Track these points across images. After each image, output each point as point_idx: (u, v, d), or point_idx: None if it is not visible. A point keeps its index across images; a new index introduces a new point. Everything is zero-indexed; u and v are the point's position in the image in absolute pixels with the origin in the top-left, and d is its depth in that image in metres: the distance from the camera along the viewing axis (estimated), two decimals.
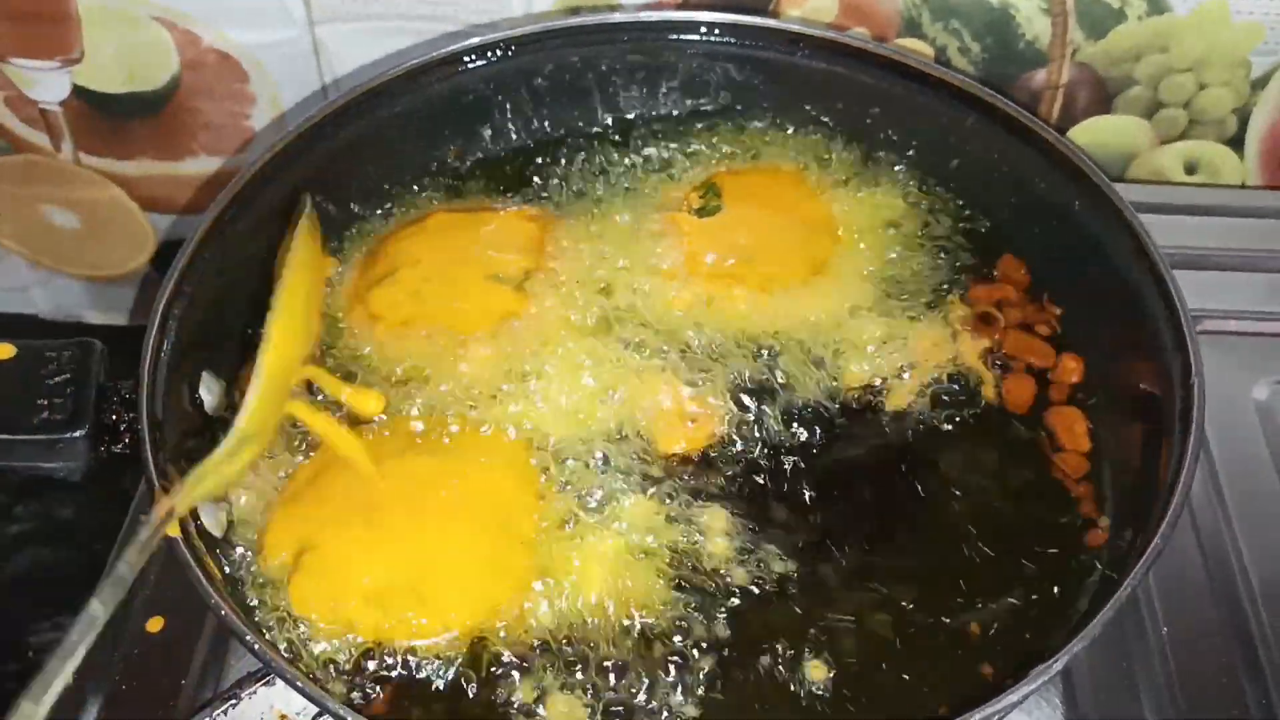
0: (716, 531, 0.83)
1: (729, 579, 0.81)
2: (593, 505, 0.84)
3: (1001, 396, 0.90)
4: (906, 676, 0.78)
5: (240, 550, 0.82)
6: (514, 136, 1.07)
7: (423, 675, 0.77)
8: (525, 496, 0.84)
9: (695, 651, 0.78)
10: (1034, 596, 0.81)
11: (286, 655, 0.77)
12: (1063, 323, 0.95)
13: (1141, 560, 0.73)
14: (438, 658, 0.77)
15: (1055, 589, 0.81)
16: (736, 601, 0.80)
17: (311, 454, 0.86)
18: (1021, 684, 0.69)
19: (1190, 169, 1.22)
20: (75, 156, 1.26)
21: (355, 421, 0.86)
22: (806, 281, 0.96)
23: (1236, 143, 1.20)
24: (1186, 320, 0.83)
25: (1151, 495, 0.78)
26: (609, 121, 1.08)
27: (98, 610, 0.66)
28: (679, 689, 0.77)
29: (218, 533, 0.81)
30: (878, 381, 0.91)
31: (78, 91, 1.20)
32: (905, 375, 0.91)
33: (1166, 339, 0.83)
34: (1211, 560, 0.95)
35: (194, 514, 0.78)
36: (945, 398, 0.90)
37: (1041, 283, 0.96)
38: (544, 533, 0.82)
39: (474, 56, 1.01)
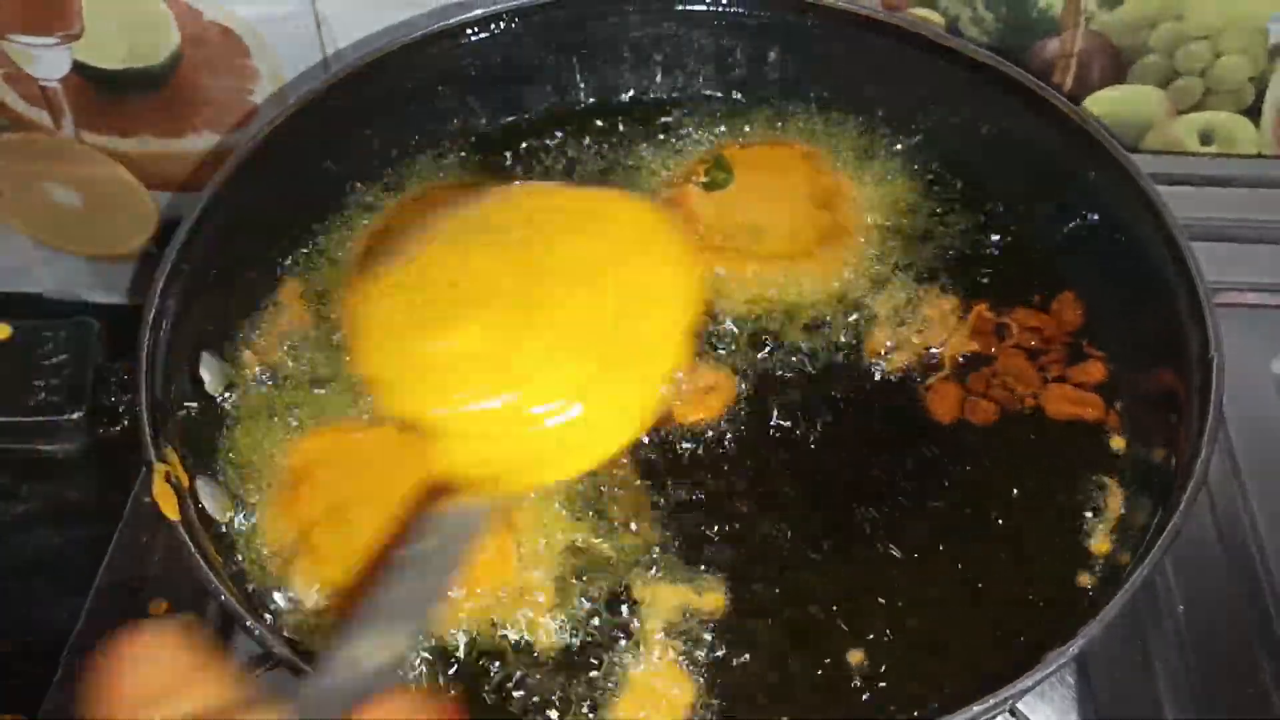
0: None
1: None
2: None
3: (926, 404, 0.88)
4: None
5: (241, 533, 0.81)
6: (519, 110, 1.05)
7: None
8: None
9: None
10: (1045, 580, 0.80)
11: (291, 639, 0.76)
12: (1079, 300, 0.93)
13: (1159, 541, 0.72)
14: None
15: (1068, 572, 0.80)
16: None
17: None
18: (1037, 669, 0.68)
19: (1206, 139, 1.20)
20: (76, 134, 1.25)
21: None
22: (814, 255, 0.94)
23: (1253, 112, 1.18)
24: (1205, 292, 0.81)
25: (1169, 474, 0.77)
26: (615, 94, 1.06)
27: None
28: None
29: (220, 516, 0.80)
30: (884, 350, 0.90)
31: (78, 68, 1.19)
32: (907, 346, 0.90)
33: (1184, 312, 0.82)
34: (1228, 537, 0.94)
35: (194, 496, 0.77)
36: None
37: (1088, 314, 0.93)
38: None
39: (476, 29, 0.99)
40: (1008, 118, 0.96)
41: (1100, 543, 0.81)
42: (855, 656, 0.77)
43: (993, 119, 0.97)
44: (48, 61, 1.18)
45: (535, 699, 0.75)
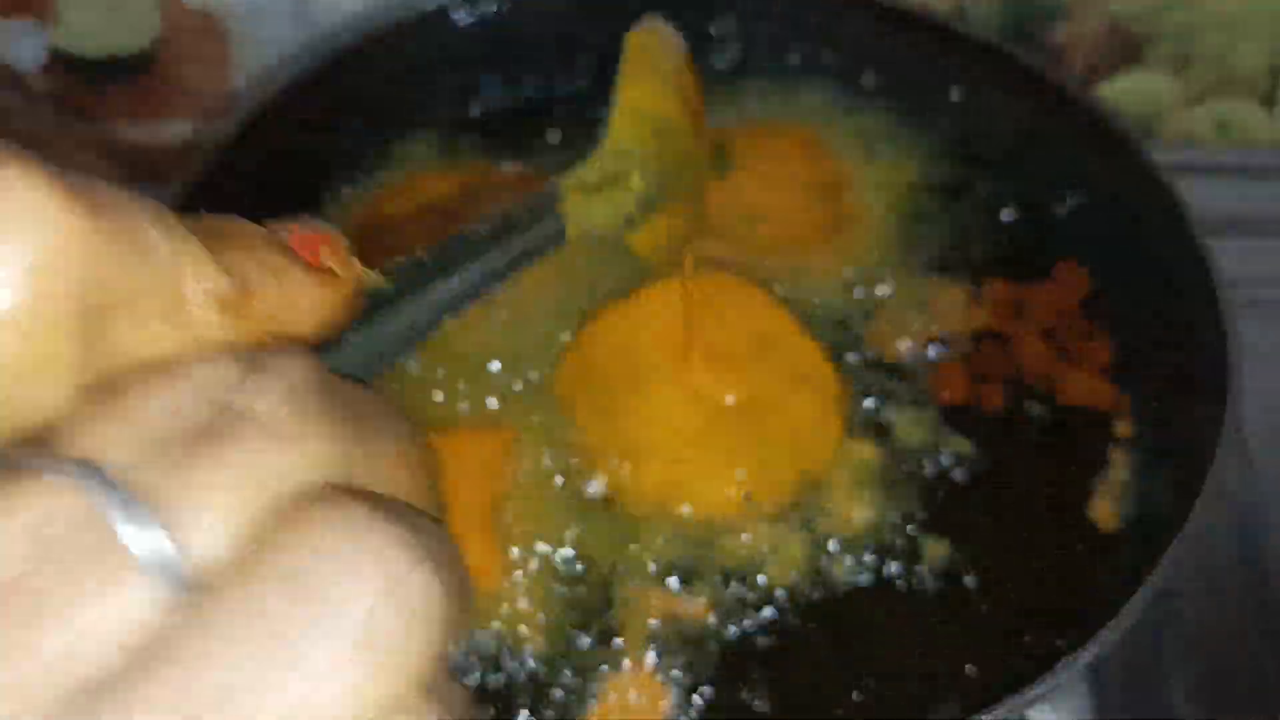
0: None
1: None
2: None
3: (931, 388, 0.85)
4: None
5: None
6: (509, 94, 1.02)
7: None
8: None
9: None
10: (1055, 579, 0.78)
11: None
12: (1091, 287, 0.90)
13: (1174, 542, 0.69)
14: None
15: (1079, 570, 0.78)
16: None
17: None
18: (1048, 676, 0.66)
19: (1221, 128, 1.18)
20: (54, 123, 1.23)
21: None
22: (817, 243, 0.92)
23: (1269, 101, 1.15)
24: (1220, 285, 0.79)
25: (1185, 471, 0.75)
26: (613, 78, 1.03)
27: None
28: None
29: None
30: (890, 338, 0.87)
31: (55, 55, 1.17)
32: (913, 334, 0.88)
33: (1199, 305, 0.80)
34: (1243, 538, 0.91)
35: None
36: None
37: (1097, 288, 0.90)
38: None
39: (465, 9, 0.97)
40: (1017, 104, 0.94)
41: (1112, 534, 0.79)
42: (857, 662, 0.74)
43: (1001, 105, 0.95)
44: (24, 47, 1.16)
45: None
